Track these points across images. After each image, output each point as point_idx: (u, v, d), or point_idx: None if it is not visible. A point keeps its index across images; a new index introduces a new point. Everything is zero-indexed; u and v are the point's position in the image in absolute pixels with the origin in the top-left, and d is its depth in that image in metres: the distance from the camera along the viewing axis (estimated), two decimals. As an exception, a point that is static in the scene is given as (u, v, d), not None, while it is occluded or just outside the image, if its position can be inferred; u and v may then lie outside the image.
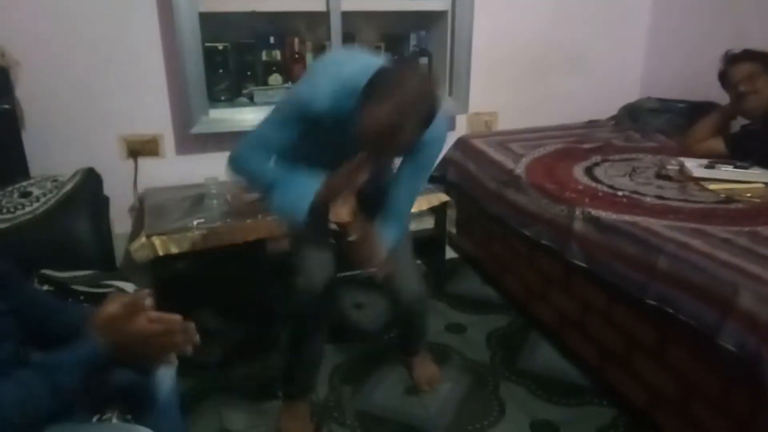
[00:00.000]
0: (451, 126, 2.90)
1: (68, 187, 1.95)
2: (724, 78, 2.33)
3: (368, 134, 1.27)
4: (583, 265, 1.94)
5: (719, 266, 1.51)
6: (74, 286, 1.68)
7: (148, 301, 1.04)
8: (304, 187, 1.47)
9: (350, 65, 1.40)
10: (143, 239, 2.06)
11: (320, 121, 1.40)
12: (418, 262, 1.98)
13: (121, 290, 1.70)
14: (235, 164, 1.51)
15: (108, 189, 2.19)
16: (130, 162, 2.47)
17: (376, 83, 1.27)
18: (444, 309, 2.50)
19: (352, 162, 1.41)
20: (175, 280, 2.35)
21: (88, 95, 2.34)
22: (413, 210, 1.86)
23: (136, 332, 0.98)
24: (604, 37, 3.07)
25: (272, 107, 1.51)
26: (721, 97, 2.41)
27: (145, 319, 0.99)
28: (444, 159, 2.72)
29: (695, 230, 1.69)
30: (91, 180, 2.05)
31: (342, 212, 1.50)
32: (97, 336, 0.95)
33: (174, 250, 2.09)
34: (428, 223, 2.61)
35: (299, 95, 1.44)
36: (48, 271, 1.71)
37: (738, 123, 2.41)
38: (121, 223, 2.46)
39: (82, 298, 1.65)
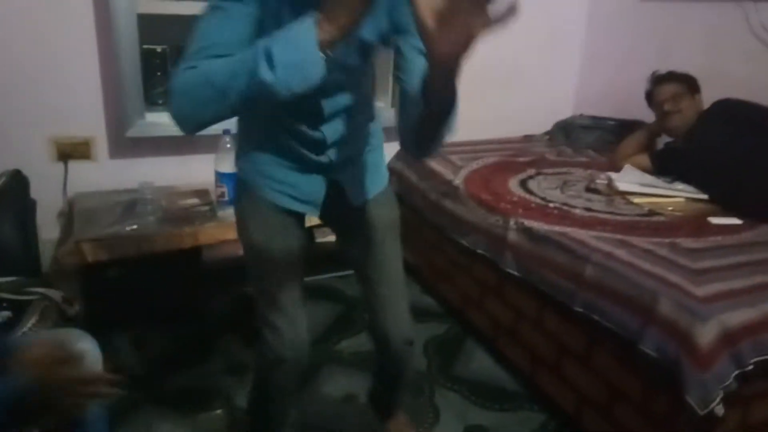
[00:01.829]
0: (394, 137, 2.92)
1: (-8, 189, 1.87)
2: (650, 97, 2.46)
3: None
4: (516, 273, 2.00)
5: (641, 275, 1.59)
6: (-4, 293, 1.60)
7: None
8: (298, 32, 0.92)
9: None
10: (72, 245, 1.99)
11: None
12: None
13: (47, 297, 1.64)
14: (181, 90, 1.02)
15: (36, 193, 2.10)
16: (60, 165, 2.38)
17: None
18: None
19: None
20: (106, 288, 2.27)
21: (15, 93, 2.24)
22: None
23: (61, 375, 1.00)
24: (539, 55, 3.19)
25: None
26: (649, 116, 2.54)
27: (72, 367, 1.01)
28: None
29: (620, 241, 1.77)
30: (16, 182, 1.97)
31: None
32: (22, 372, 0.95)
33: (104, 257, 2.02)
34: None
35: None
36: (-33, 278, 1.63)
37: (662, 140, 2.55)
38: (49, 229, 2.35)
39: (5, 305, 1.58)
